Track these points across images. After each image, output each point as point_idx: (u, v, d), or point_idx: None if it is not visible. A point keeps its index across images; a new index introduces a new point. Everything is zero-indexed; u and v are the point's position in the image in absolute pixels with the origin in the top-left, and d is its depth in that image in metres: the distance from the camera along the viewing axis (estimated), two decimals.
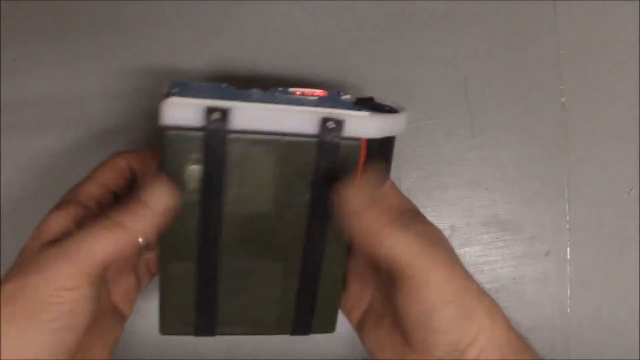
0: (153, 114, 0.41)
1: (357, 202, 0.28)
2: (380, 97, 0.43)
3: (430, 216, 0.42)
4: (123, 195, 0.32)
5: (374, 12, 0.42)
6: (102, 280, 0.28)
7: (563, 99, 0.43)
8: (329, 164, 0.29)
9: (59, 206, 0.30)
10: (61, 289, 0.26)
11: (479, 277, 0.42)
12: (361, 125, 0.29)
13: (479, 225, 0.43)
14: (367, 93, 0.42)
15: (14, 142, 0.41)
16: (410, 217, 0.33)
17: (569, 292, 0.43)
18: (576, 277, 0.43)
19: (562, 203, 0.43)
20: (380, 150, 0.31)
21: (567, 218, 0.43)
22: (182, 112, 0.28)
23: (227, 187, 0.29)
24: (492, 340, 0.28)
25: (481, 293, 0.30)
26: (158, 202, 0.27)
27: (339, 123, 0.29)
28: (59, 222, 0.29)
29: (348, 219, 0.29)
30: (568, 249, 0.43)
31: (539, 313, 0.43)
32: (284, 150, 0.29)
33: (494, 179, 0.43)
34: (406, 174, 0.42)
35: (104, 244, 0.26)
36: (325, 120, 0.29)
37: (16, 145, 0.41)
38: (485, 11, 0.43)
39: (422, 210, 0.42)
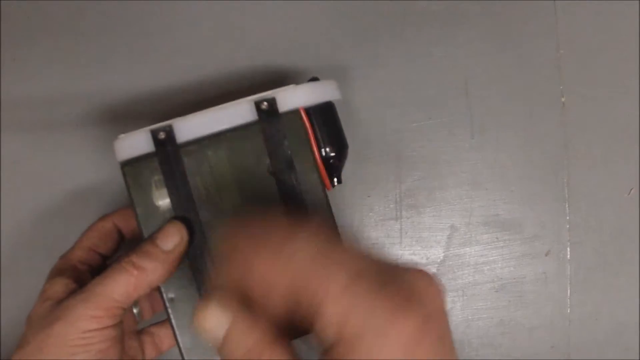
0: (156, 114, 0.41)
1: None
2: (380, 97, 0.43)
3: (430, 216, 0.42)
4: (111, 257, 0.35)
5: (374, 12, 0.42)
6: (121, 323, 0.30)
7: (563, 99, 0.43)
8: (279, 142, 0.31)
9: (56, 273, 0.32)
10: (87, 332, 0.27)
11: (479, 277, 0.42)
12: (292, 97, 0.31)
13: (479, 225, 0.43)
14: (367, 93, 0.42)
15: (14, 142, 0.41)
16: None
17: (569, 292, 0.43)
18: (576, 277, 0.43)
19: (562, 203, 0.43)
20: (324, 120, 0.32)
21: (567, 218, 0.43)
22: (132, 142, 0.30)
23: (195, 198, 0.30)
24: None
25: None
26: (170, 243, 0.29)
27: (271, 101, 0.31)
28: (63, 284, 0.31)
29: None
30: (568, 249, 0.43)
31: (539, 313, 0.43)
32: (233, 144, 0.30)
33: (494, 179, 0.43)
34: (406, 174, 0.42)
35: (123, 284, 0.28)
36: (258, 103, 0.31)
37: (16, 145, 0.41)
38: (485, 11, 0.43)
39: (422, 210, 0.42)
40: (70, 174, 0.41)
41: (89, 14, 0.41)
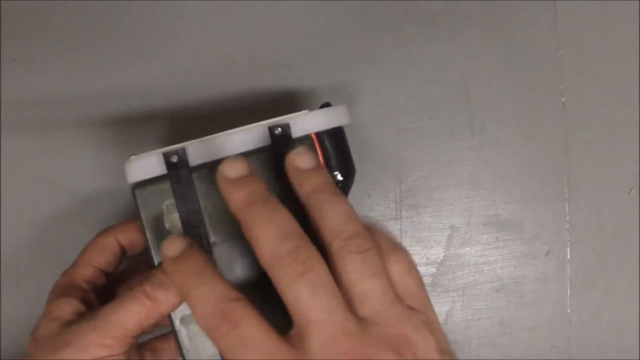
0: (156, 115, 0.41)
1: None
2: (380, 97, 0.43)
3: (430, 216, 0.42)
4: (113, 273, 0.35)
5: (374, 12, 0.42)
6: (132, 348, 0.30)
7: (563, 99, 0.43)
8: None
9: (60, 293, 0.31)
10: (97, 359, 0.27)
11: (479, 277, 0.42)
12: (305, 122, 0.31)
13: (479, 225, 0.43)
14: (367, 93, 0.42)
15: (14, 142, 0.41)
16: None
17: (569, 292, 0.43)
18: (576, 277, 0.43)
19: (562, 203, 0.43)
20: (334, 144, 0.32)
21: (567, 218, 0.43)
22: (144, 164, 0.30)
23: (206, 223, 0.30)
24: None
25: None
26: None
27: (285, 126, 0.30)
28: (70, 305, 0.30)
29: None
30: (568, 249, 0.43)
31: (539, 313, 0.43)
32: None
33: (494, 179, 0.43)
34: (406, 174, 0.42)
35: (136, 315, 0.28)
36: (272, 128, 0.30)
37: (16, 145, 0.41)
38: (485, 11, 0.43)
39: (422, 210, 0.42)
40: (71, 174, 0.41)
41: (89, 14, 0.41)
